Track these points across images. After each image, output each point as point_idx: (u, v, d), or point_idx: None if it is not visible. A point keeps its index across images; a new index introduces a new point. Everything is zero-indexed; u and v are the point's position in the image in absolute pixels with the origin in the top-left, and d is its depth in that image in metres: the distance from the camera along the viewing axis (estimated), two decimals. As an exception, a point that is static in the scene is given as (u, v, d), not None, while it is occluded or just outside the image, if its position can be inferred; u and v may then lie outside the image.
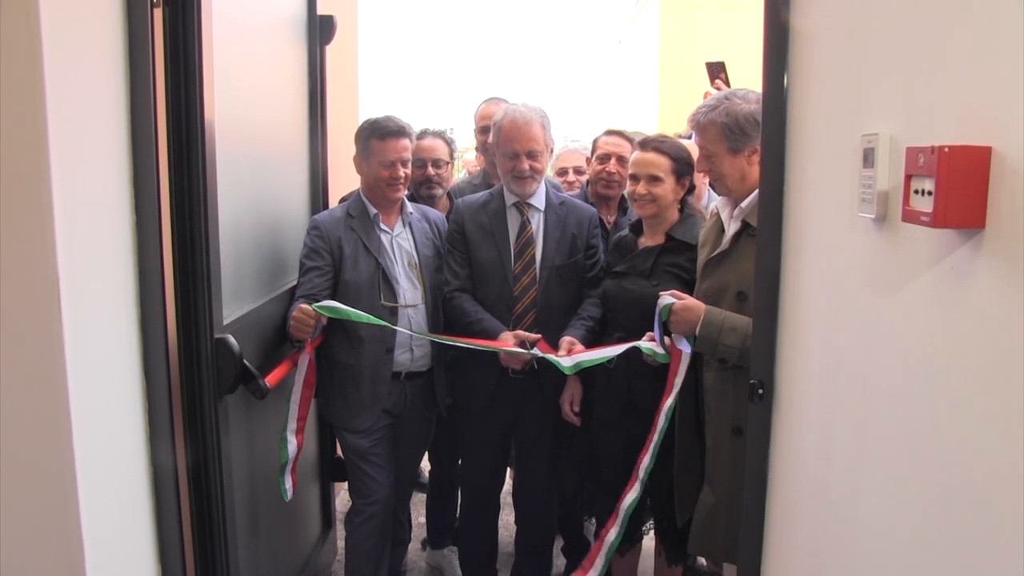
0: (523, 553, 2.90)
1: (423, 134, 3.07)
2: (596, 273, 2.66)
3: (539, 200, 2.67)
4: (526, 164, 2.58)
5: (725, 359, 2.02)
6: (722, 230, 2.13)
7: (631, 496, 2.26)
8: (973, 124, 0.94)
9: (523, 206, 2.65)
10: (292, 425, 2.42)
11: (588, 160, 3.15)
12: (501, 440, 2.79)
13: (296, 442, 2.43)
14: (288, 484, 2.43)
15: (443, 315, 2.68)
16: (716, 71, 3.08)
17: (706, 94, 3.08)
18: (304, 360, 2.40)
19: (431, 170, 3.03)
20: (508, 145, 2.59)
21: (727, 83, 3.02)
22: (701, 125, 2.08)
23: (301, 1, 2.73)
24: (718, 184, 2.13)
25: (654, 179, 2.36)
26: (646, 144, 2.44)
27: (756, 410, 1.72)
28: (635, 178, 2.39)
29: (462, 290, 2.62)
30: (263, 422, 2.32)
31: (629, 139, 2.97)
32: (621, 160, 2.90)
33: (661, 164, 2.36)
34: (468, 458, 2.93)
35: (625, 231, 2.58)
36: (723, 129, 2.03)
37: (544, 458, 2.75)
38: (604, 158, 2.95)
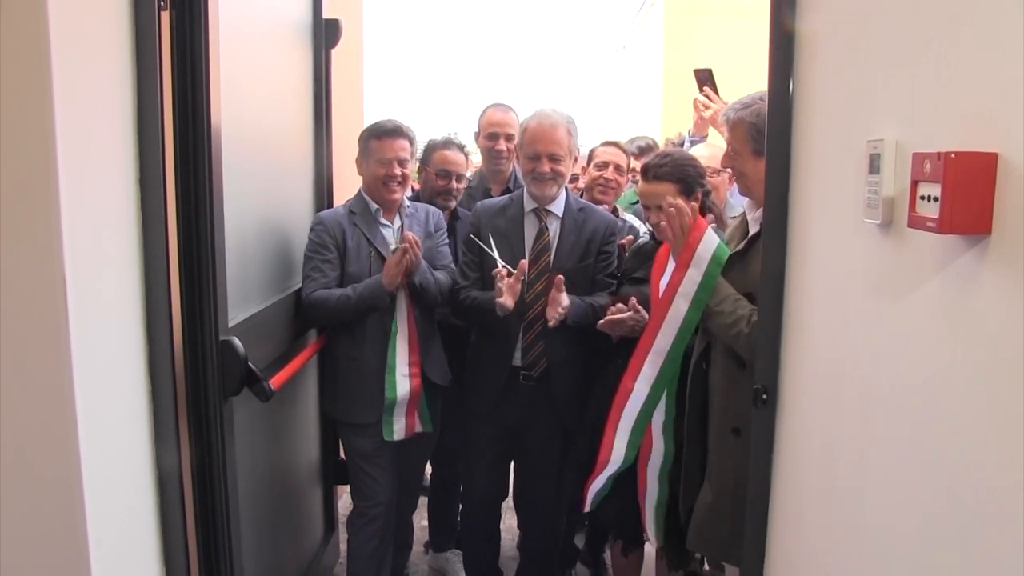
0: (526, 559, 2.89)
1: (447, 144, 3.08)
2: (604, 278, 2.65)
3: (558, 207, 2.66)
4: (547, 166, 2.57)
5: (710, 330, 2.05)
6: (747, 231, 2.13)
7: (659, 460, 2.27)
8: (979, 130, 0.95)
9: (542, 212, 2.65)
10: (404, 370, 2.50)
11: (584, 169, 3.26)
12: (507, 446, 2.77)
13: (410, 386, 2.50)
14: (398, 425, 2.52)
15: (456, 313, 2.73)
16: (704, 79, 3.09)
17: (696, 101, 3.12)
18: (403, 301, 2.51)
19: (454, 183, 3.03)
20: (531, 146, 2.60)
21: (715, 91, 3.06)
22: (732, 121, 2.07)
23: (307, 5, 2.74)
24: (739, 182, 2.14)
25: (661, 208, 2.35)
26: (647, 172, 2.41)
27: (759, 415, 1.72)
28: (647, 208, 2.41)
29: (470, 288, 2.65)
30: (268, 424, 2.32)
31: (624, 150, 3.18)
32: (618, 168, 3.07)
33: (666, 191, 2.34)
34: (472, 462, 2.91)
35: (646, 238, 2.57)
36: (750, 129, 2.01)
37: (550, 466, 2.73)
38: (602, 165, 3.08)
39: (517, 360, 2.63)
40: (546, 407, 2.64)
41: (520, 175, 3.15)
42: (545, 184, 2.60)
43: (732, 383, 2.04)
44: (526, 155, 2.62)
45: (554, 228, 2.65)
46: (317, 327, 2.63)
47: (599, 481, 2.35)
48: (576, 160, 2.77)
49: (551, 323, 2.48)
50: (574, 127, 2.65)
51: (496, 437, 2.73)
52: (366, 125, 2.70)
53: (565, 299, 2.48)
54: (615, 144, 3.15)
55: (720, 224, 2.39)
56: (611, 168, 3.05)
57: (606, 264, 2.67)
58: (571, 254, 2.63)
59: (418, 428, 2.63)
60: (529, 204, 2.66)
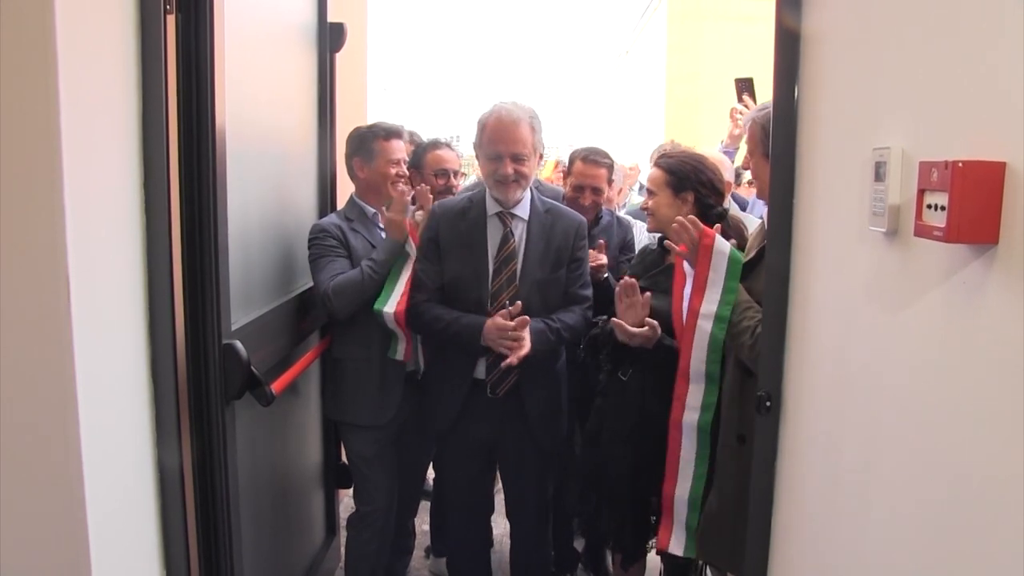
0: (515, 571, 2.83)
1: (438, 144, 3.11)
2: (578, 290, 2.51)
3: (523, 209, 2.48)
4: (510, 168, 2.38)
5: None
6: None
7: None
8: (986, 139, 0.94)
9: (506, 216, 2.46)
10: (400, 291, 2.44)
11: (564, 173, 3.10)
12: (482, 462, 2.62)
13: (395, 309, 2.43)
14: (400, 346, 2.50)
15: (416, 329, 2.53)
16: (744, 88, 3.05)
17: (733, 111, 3.08)
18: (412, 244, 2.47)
19: (453, 180, 3.06)
20: (491, 146, 2.40)
21: (754, 99, 3.01)
22: (749, 124, 2.09)
23: (312, 8, 2.74)
24: (757, 184, 2.18)
25: (650, 192, 2.38)
26: (656, 159, 2.46)
27: (763, 422, 1.72)
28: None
29: (430, 302, 2.47)
30: (269, 428, 2.32)
31: (606, 164, 2.93)
32: (596, 191, 2.88)
33: (655, 178, 2.37)
34: (447, 480, 2.77)
35: (654, 244, 2.53)
36: (760, 132, 2.01)
37: (531, 480, 2.60)
38: (578, 188, 2.89)
39: (480, 373, 2.47)
40: (518, 424, 2.49)
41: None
42: (508, 187, 2.40)
43: (739, 390, 2.04)
44: (486, 155, 2.42)
45: (520, 233, 2.46)
46: (344, 317, 2.49)
47: (680, 516, 2.21)
48: (541, 157, 2.56)
49: (507, 363, 2.30)
50: (538, 122, 2.45)
51: (470, 453, 2.57)
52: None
53: (528, 342, 2.32)
54: (592, 161, 2.89)
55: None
56: (587, 193, 2.87)
57: (579, 274, 2.51)
58: (541, 263, 2.44)
59: (411, 361, 2.60)
60: (492, 207, 2.46)
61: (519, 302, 2.35)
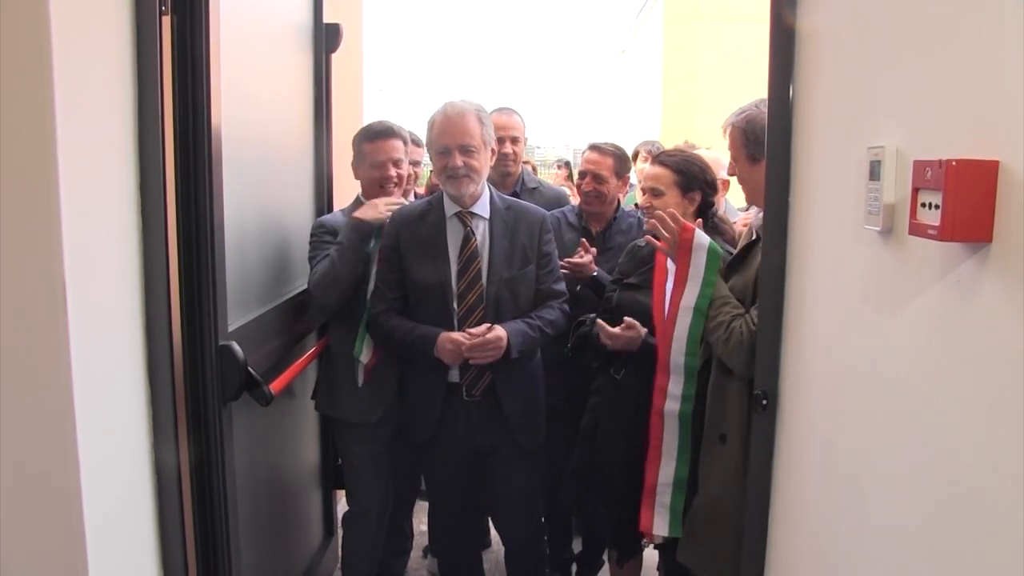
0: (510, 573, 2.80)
1: None
2: (551, 286, 2.47)
3: (483, 207, 2.43)
4: (459, 160, 2.33)
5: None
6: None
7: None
8: (980, 138, 0.95)
9: (465, 216, 2.41)
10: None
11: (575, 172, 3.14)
12: (468, 464, 2.54)
13: (371, 355, 2.47)
14: (360, 376, 2.52)
15: (377, 339, 2.51)
16: None
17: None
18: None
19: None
20: (440, 140, 2.37)
21: None
22: (727, 129, 2.10)
23: (307, 9, 2.74)
24: (744, 190, 2.16)
25: (654, 192, 2.34)
26: (657, 156, 2.45)
27: (759, 420, 1.72)
28: (644, 191, 2.40)
29: (389, 312, 2.44)
30: (267, 429, 2.32)
31: (611, 153, 2.95)
32: (597, 178, 2.88)
33: (662, 177, 2.34)
34: (435, 485, 2.68)
35: (642, 241, 2.51)
36: (741, 136, 2.03)
37: (516, 481, 2.54)
38: (582, 175, 2.93)
39: (454, 377, 2.41)
40: (498, 425, 2.43)
41: (527, 177, 3.11)
42: (460, 181, 2.35)
43: (721, 389, 2.03)
44: (436, 151, 2.39)
45: (481, 232, 2.41)
46: (333, 307, 2.47)
47: (663, 499, 2.21)
48: (494, 153, 2.51)
49: (476, 361, 2.31)
50: (486, 116, 2.42)
51: (455, 458, 2.50)
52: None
53: (494, 350, 2.28)
54: (597, 148, 2.95)
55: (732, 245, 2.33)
56: (588, 178, 2.87)
57: (549, 270, 2.47)
58: (507, 261, 2.39)
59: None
60: (451, 208, 2.41)
61: (487, 325, 2.31)
